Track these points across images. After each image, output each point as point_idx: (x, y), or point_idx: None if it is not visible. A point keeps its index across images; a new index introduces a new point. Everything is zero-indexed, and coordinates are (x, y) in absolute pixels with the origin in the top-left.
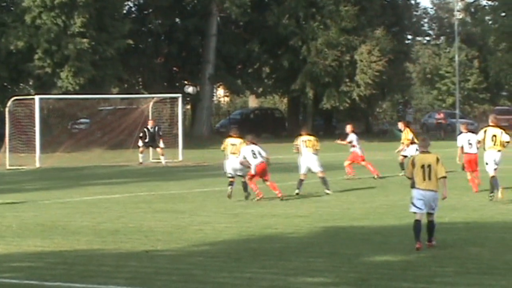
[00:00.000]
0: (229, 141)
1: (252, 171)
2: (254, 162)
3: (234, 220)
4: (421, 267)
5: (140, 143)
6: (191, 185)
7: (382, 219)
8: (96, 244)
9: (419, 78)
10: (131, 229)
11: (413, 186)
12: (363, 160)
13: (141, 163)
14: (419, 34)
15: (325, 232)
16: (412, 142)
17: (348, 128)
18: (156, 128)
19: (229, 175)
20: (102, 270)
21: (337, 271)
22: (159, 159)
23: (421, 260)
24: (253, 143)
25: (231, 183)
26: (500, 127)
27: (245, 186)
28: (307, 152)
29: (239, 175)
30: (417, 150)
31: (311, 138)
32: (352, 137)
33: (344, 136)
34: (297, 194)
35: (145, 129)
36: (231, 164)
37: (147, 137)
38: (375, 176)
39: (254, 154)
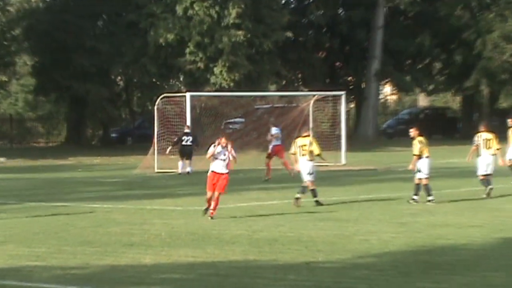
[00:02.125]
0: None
1: None
2: None
3: (401, 229)
4: None
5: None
6: (356, 191)
7: None
8: (252, 255)
9: None
10: (290, 238)
11: None
12: None
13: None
14: None
15: (502, 244)
16: None
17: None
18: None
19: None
20: (258, 283)
21: None
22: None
23: None
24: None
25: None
26: None
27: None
28: (485, 152)
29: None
30: None
31: (491, 135)
32: None
33: None
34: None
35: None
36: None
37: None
38: None
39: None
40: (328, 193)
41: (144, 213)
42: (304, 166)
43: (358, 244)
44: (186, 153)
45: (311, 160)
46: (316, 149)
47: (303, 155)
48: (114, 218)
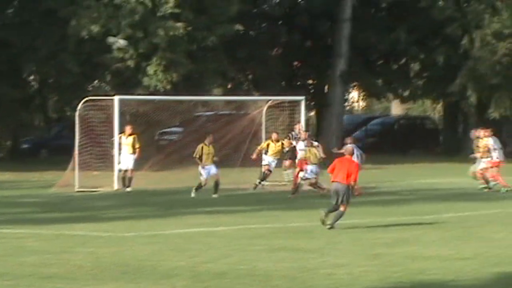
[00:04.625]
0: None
1: None
2: None
3: (374, 262)
4: None
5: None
6: (319, 216)
7: None
8: None
9: None
10: (241, 272)
11: None
12: None
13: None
14: None
15: (497, 281)
16: None
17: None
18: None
19: None
20: None
21: None
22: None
23: None
24: None
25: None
26: None
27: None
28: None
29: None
30: None
31: None
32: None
33: None
34: None
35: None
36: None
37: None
38: None
39: None
40: (285, 218)
41: (64, 239)
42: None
43: (323, 279)
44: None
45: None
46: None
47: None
48: (28, 246)
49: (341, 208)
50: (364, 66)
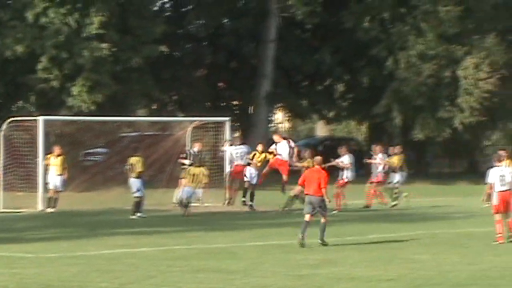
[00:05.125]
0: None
1: None
2: None
3: (299, 283)
4: None
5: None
6: (243, 237)
7: (494, 286)
8: None
9: None
10: None
11: None
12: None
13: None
14: None
15: None
16: None
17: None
18: (203, 154)
19: None
20: None
21: None
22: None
23: None
24: None
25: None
26: None
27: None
28: None
29: None
30: None
31: None
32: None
33: None
34: None
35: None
36: None
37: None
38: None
39: None
40: (208, 238)
41: None
42: None
43: None
44: None
45: None
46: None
47: None
48: None
49: (322, 220)
50: (289, 87)
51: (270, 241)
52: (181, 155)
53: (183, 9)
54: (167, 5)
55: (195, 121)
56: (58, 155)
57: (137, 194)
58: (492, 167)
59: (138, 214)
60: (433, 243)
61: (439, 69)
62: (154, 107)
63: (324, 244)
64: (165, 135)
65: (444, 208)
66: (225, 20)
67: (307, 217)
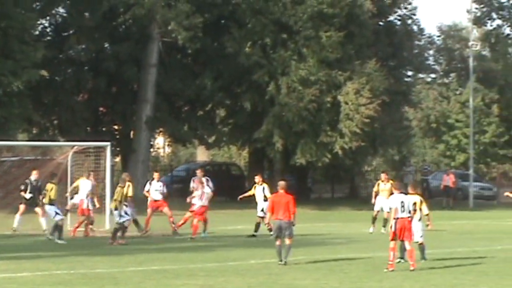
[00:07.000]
0: None
1: None
2: None
3: None
4: None
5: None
6: (124, 262)
7: None
8: None
9: (421, 127)
10: None
11: None
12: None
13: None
14: (422, 70)
15: None
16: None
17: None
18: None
19: None
20: None
21: None
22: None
23: None
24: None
25: None
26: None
27: None
28: None
29: None
30: None
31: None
32: None
33: None
34: None
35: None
36: None
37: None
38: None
39: None
40: (89, 263)
41: None
42: None
43: None
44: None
45: None
46: None
47: None
48: None
49: (288, 242)
50: (170, 112)
51: (152, 266)
52: (21, 187)
53: (64, 33)
54: (48, 30)
55: (75, 145)
56: None
57: (57, 218)
58: (374, 192)
59: (53, 238)
60: (314, 269)
61: (321, 94)
62: (35, 131)
63: (285, 263)
64: (45, 159)
65: (325, 234)
66: (106, 45)
67: (278, 242)
